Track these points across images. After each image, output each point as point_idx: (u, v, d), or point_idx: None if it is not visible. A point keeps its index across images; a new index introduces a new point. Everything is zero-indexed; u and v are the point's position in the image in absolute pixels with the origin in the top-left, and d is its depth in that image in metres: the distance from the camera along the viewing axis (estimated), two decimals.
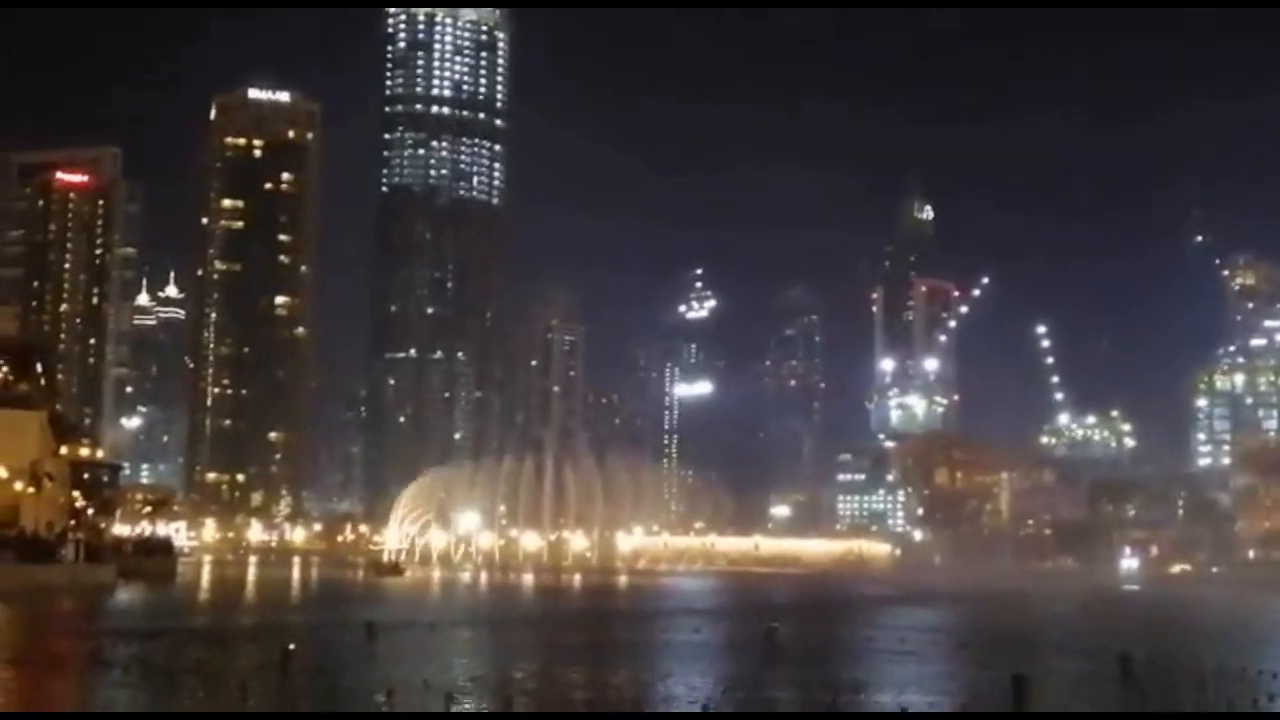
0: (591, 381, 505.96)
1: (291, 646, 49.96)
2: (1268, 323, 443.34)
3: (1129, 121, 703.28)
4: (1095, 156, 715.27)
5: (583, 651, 63.89)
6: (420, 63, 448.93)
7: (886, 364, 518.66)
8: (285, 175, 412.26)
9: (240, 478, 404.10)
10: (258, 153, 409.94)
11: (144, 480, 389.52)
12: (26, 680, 47.32)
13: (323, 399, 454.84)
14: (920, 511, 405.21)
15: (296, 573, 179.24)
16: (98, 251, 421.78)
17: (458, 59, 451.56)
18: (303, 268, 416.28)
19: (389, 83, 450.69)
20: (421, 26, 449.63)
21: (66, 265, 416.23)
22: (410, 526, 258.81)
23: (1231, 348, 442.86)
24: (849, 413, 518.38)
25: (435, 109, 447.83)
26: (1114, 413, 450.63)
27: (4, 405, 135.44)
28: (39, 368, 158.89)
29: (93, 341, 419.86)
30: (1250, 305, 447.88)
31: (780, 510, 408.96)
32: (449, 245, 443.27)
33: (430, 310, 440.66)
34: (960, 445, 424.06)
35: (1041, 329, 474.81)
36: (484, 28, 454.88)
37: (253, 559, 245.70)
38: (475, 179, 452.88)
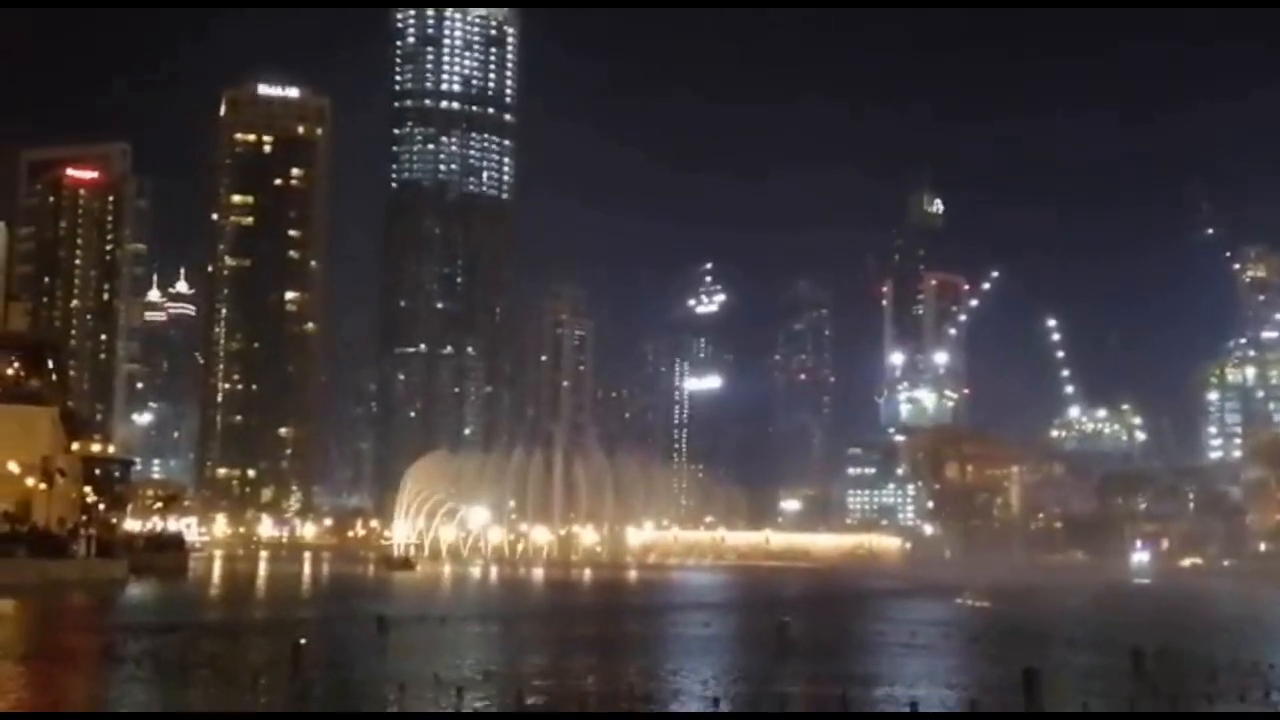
0: (601, 376, 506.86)
1: (303, 641, 49.97)
2: (1279, 315, 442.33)
3: (1135, 116, 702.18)
4: (1105, 150, 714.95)
5: (593, 645, 63.88)
6: (430, 58, 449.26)
7: (896, 358, 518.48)
8: (295, 171, 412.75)
9: (251, 473, 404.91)
10: (267, 148, 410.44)
11: (155, 476, 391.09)
12: (39, 675, 47.42)
13: (333, 394, 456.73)
14: (930, 505, 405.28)
15: (307, 568, 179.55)
16: (108, 248, 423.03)
17: (467, 54, 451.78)
18: (312, 263, 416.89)
19: (398, 78, 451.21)
20: (431, 21, 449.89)
21: (77, 261, 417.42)
22: (419, 521, 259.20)
23: (1242, 340, 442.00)
24: (859, 407, 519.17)
25: (445, 104, 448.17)
26: (1124, 406, 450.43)
27: (15, 401, 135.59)
28: (50, 364, 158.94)
29: (103, 337, 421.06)
30: (1261, 298, 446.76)
31: (790, 504, 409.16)
32: (458, 240, 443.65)
33: (440, 305, 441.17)
34: (970, 439, 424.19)
35: (1052, 322, 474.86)
36: (493, 22, 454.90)
37: (263, 554, 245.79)
38: (485, 174, 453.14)
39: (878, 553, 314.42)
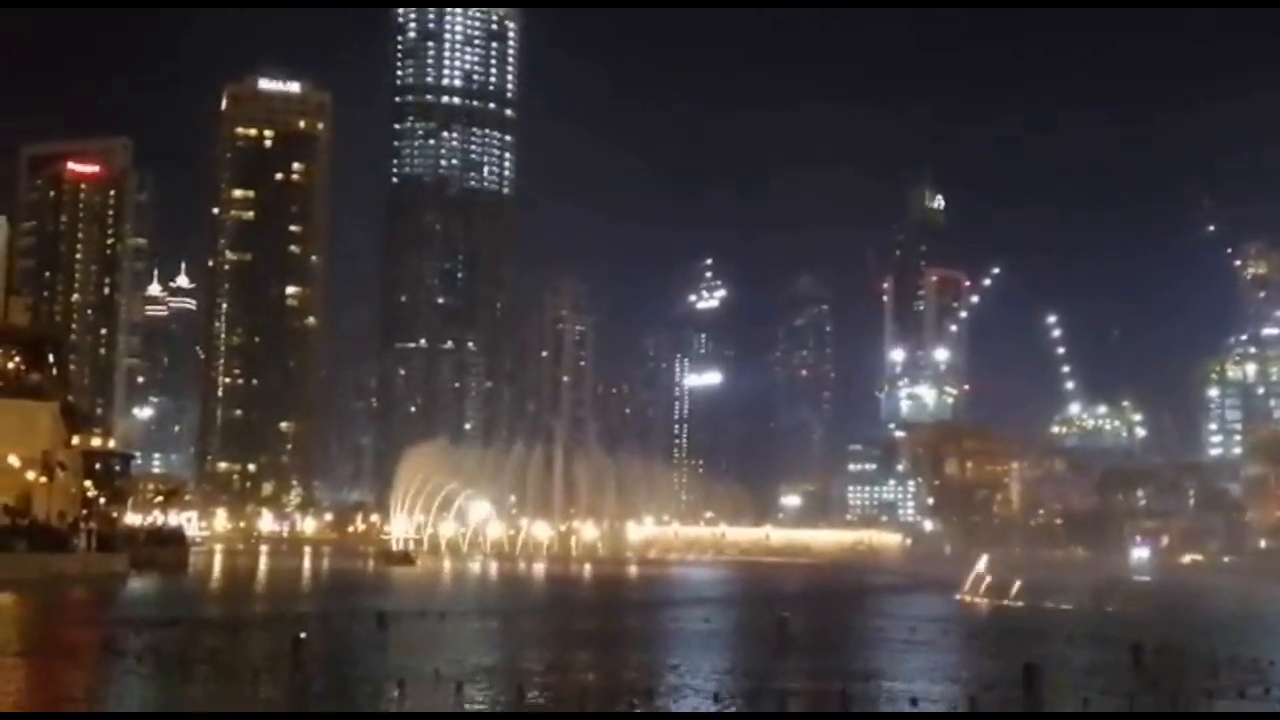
0: (601, 372, 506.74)
1: (303, 636, 50.03)
2: (1279, 312, 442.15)
3: (1135, 116, 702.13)
4: (1105, 149, 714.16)
5: (594, 641, 63.94)
6: (431, 53, 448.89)
7: (897, 354, 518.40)
8: (296, 165, 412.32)
9: (251, 468, 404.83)
10: (268, 143, 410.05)
11: (156, 470, 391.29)
12: (40, 669, 47.48)
13: (333, 389, 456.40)
14: (931, 501, 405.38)
15: (307, 562, 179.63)
16: (109, 242, 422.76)
17: (468, 49, 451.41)
18: (313, 258, 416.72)
19: (399, 73, 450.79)
20: (432, 17, 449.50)
21: (78, 256, 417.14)
22: (417, 514, 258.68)
23: (1243, 337, 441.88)
24: (859, 403, 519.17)
25: (446, 99, 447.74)
26: (1125, 402, 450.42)
27: (16, 395, 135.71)
28: (51, 358, 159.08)
29: (104, 332, 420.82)
30: (1262, 294, 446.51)
31: (791, 500, 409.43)
32: (459, 235, 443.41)
33: (440, 300, 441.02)
34: (971, 435, 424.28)
35: (1052, 318, 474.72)
36: (494, 18, 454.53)
37: (264, 549, 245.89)
38: (486, 169, 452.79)
39: (878, 549, 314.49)
